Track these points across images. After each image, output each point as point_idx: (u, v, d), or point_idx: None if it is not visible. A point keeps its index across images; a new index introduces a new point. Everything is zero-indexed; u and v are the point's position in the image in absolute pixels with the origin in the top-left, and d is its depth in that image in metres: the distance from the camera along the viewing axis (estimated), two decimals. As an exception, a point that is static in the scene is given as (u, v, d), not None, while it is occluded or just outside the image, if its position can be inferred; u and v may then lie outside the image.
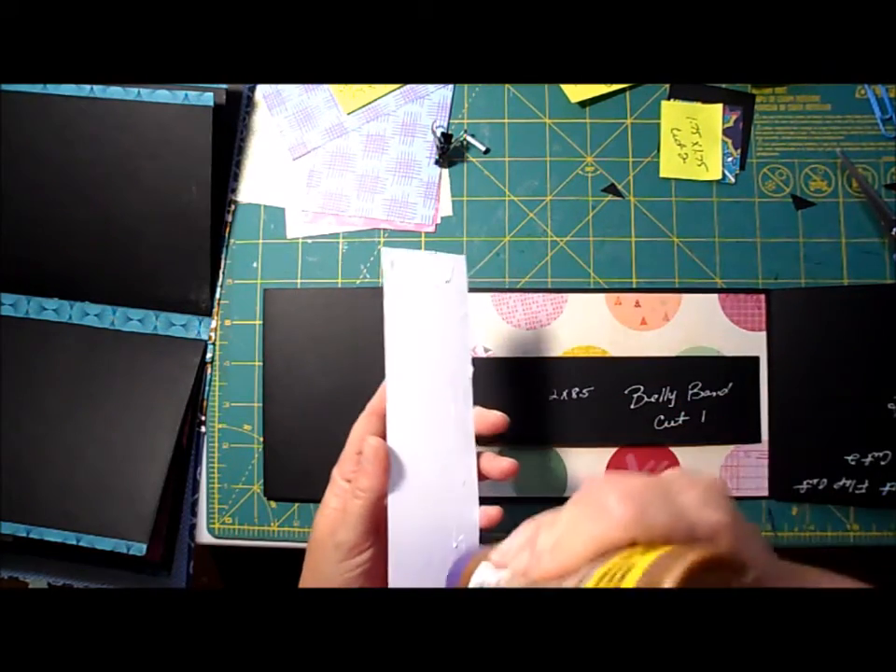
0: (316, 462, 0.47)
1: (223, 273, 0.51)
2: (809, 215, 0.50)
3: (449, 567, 0.34)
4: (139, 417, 0.48)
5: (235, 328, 0.51)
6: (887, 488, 0.46)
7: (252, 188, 0.52)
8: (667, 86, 0.52)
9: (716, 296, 0.49)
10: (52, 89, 0.49)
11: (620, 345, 0.49)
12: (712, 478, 0.25)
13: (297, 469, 0.49)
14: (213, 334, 0.51)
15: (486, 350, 0.49)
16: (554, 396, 0.48)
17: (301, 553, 0.38)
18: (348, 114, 0.53)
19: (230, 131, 0.52)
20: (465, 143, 0.52)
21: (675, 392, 0.48)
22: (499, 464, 0.37)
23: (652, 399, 0.48)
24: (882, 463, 0.46)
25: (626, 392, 0.48)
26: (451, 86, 0.52)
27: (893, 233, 0.48)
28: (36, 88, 0.49)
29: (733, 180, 0.51)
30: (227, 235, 0.51)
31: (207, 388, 0.50)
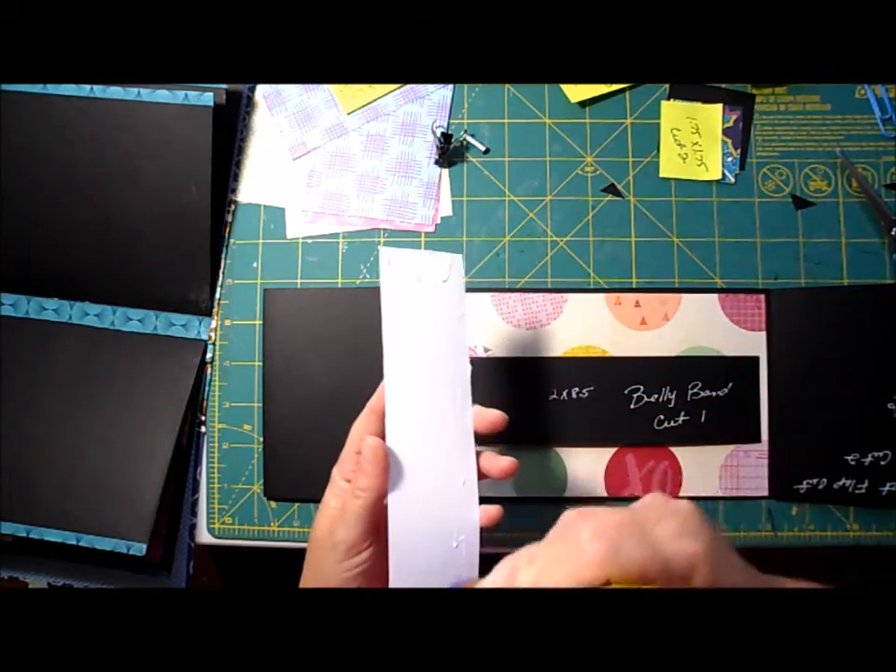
0: (316, 462, 0.47)
1: (223, 273, 0.51)
2: (809, 215, 0.50)
3: (450, 581, 0.34)
4: (139, 417, 0.48)
5: (235, 328, 0.51)
6: (887, 488, 0.47)
7: (252, 188, 0.52)
8: (667, 86, 0.52)
9: (716, 296, 0.49)
10: (52, 89, 0.49)
11: (620, 345, 0.49)
12: (688, 505, 0.25)
13: (297, 469, 0.49)
14: (213, 334, 0.51)
15: (486, 350, 0.49)
16: (554, 396, 0.48)
17: (301, 553, 0.38)
18: (348, 114, 0.53)
19: (230, 131, 0.52)
20: (465, 143, 0.52)
21: (675, 392, 0.48)
22: (499, 463, 0.37)
23: (652, 399, 0.48)
24: (882, 463, 0.46)
25: (626, 392, 0.48)
26: (451, 86, 0.53)
27: (893, 233, 0.48)
28: (36, 88, 0.49)
29: (732, 180, 0.51)
30: (227, 235, 0.51)
31: (207, 388, 0.50)
